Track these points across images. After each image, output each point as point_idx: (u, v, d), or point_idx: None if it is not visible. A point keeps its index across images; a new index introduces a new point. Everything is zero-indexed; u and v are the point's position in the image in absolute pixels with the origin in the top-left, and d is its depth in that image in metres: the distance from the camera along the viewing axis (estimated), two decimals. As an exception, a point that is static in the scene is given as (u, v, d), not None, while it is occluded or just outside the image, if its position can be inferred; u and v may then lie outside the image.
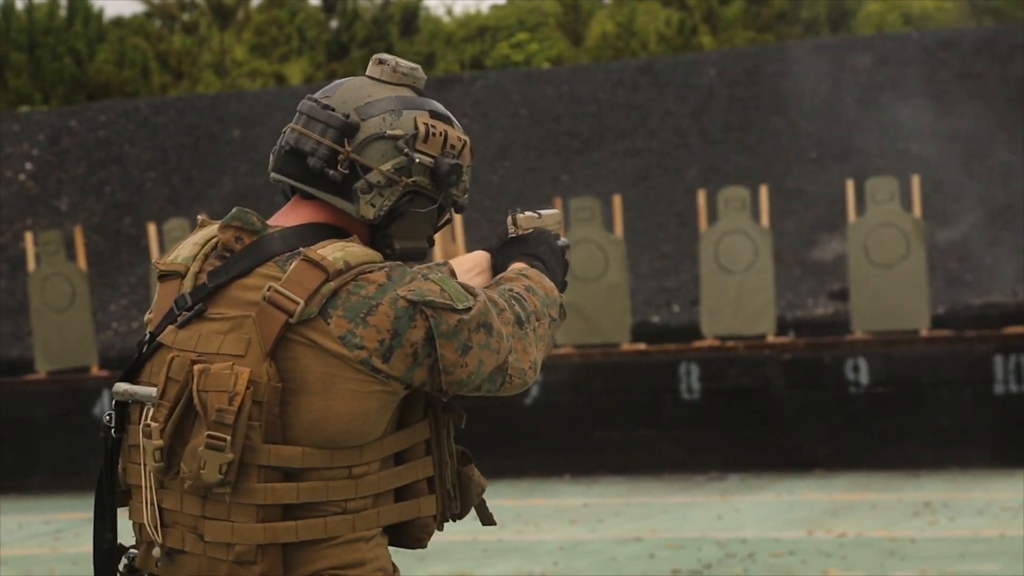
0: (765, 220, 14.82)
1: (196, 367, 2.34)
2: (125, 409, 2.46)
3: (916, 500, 11.55)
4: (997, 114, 18.99)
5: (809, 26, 27.73)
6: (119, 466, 2.49)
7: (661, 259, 18.45)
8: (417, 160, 2.45)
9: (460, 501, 2.53)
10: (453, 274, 2.47)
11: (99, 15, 30.73)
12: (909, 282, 13.88)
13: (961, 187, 18.28)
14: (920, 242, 14.08)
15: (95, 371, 15.73)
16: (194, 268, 2.45)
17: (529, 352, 2.46)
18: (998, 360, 12.93)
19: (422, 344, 2.36)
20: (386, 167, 2.43)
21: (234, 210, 2.45)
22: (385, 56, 2.51)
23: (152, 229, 16.42)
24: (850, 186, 14.91)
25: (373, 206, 2.43)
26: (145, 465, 2.41)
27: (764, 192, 15.00)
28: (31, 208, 21.46)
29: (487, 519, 2.60)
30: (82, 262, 16.39)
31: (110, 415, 2.47)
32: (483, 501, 2.57)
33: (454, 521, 2.52)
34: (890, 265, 13.97)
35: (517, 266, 2.60)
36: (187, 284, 2.44)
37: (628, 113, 20.52)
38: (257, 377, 2.32)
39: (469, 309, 2.38)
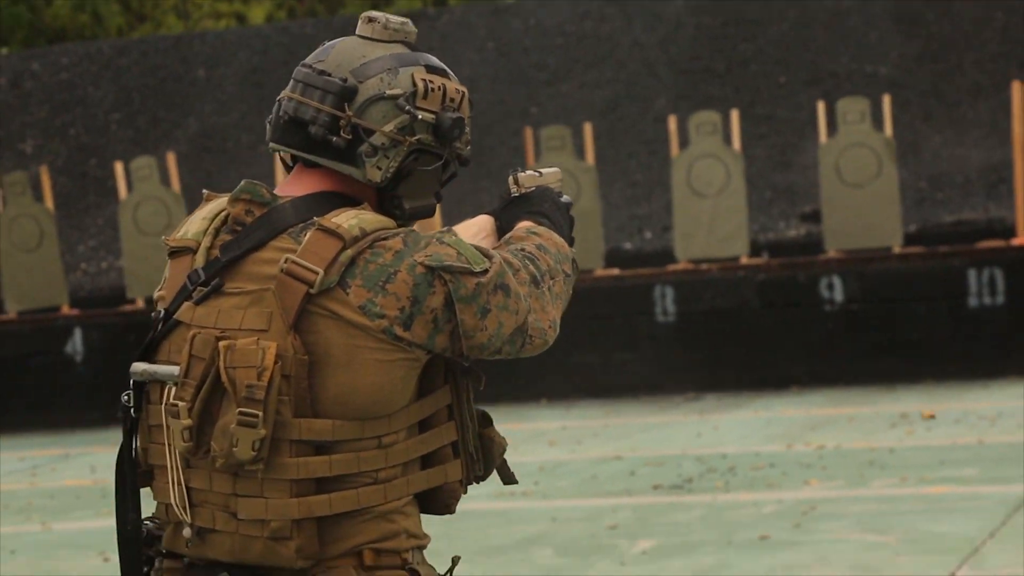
0: (737, 144, 14.79)
1: (221, 344, 2.30)
2: (143, 389, 2.41)
3: (893, 412, 11.58)
4: (965, 35, 18.97)
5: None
6: (139, 446, 2.44)
7: (632, 187, 18.41)
8: (419, 117, 2.41)
9: (483, 463, 2.50)
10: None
11: (58, -40, 30.37)
12: (881, 201, 13.87)
13: (929, 107, 18.28)
14: (892, 161, 14.08)
15: (66, 310, 15.65)
16: (205, 243, 2.41)
17: (547, 311, 2.45)
18: (972, 274, 12.95)
19: (442, 309, 2.34)
20: (389, 128, 2.40)
21: (243, 183, 2.41)
22: (374, 14, 2.47)
23: (119, 168, 16.30)
24: (821, 107, 14.89)
25: (379, 168, 2.40)
26: (171, 445, 2.36)
27: (735, 116, 14.97)
28: (-6, 152, 21.28)
29: (508, 478, 2.59)
30: (49, 202, 16.26)
31: (128, 395, 2.40)
32: (504, 461, 2.55)
33: (477, 483, 2.51)
34: (862, 184, 13.97)
35: (525, 225, 2.56)
36: (199, 259, 2.40)
37: (596, 44, 20.43)
38: (283, 351, 2.29)
39: (486, 271, 2.36)
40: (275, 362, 2.28)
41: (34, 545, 9.11)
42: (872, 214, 13.81)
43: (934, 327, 12.93)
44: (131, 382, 2.41)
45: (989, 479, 8.88)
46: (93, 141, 21.24)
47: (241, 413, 2.27)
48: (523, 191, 2.63)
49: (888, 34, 19.21)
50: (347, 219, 2.35)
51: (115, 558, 8.61)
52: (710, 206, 14.22)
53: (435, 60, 2.48)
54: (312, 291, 2.31)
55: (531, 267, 2.44)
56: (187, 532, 2.37)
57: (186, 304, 2.38)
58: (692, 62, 19.70)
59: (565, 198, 2.66)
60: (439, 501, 2.45)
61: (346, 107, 2.39)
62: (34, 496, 11.05)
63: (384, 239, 2.35)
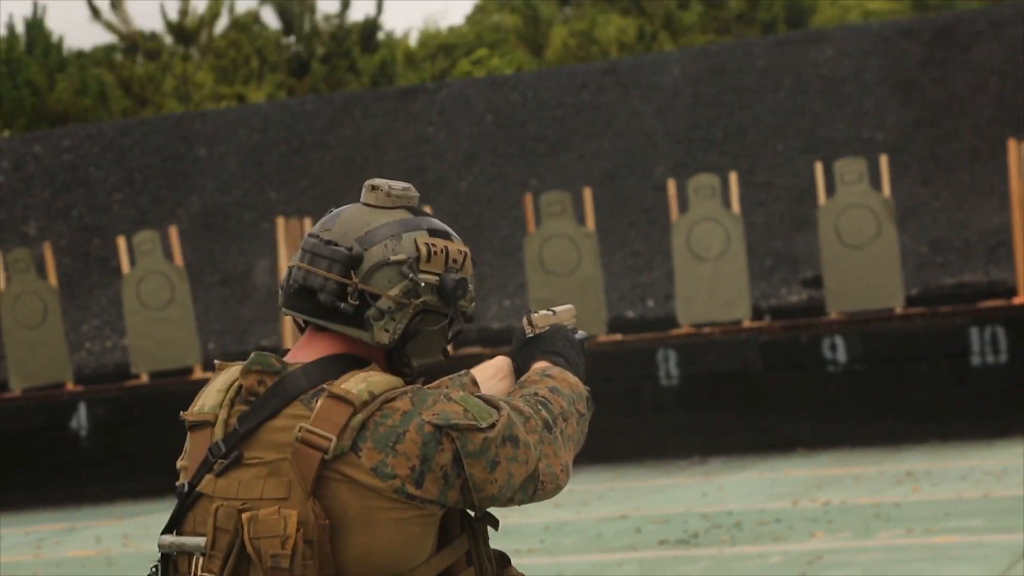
0: (736, 207, 14.85)
1: (244, 515, 2.39)
2: (169, 561, 2.50)
3: (899, 471, 11.57)
4: (960, 100, 19.10)
5: (767, 27, 27.86)
6: None
7: (633, 256, 18.47)
8: (423, 283, 2.50)
9: None
10: (475, 383, 2.55)
11: (58, 45, 30.66)
12: (881, 261, 13.92)
13: (928, 172, 18.37)
14: (891, 221, 14.13)
15: (70, 386, 15.66)
16: (222, 415, 2.48)
17: (560, 455, 2.53)
18: (974, 333, 12.98)
19: (451, 466, 2.42)
20: (394, 292, 2.48)
21: (253, 355, 2.48)
22: (377, 181, 2.55)
23: (122, 243, 16.36)
24: (819, 168, 14.96)
25: (387, 331, 2.48)
26: None
27: (734, 179, 15.04)
28: (-1, 234, 21.37)
29: None
30: (52, 279, 16.31)
31: (156, 568, 2.49)
32: None
33: None
34: (861, 246, 14.02)
35: (539, 366, 2.64)
36: (218, 431, 2.47)
37: (593, 115, 20.57)
38: (304, 518, 2.37)
39: (493, 426, 2.43)
40: (297, 530, 2.36)
41: (40, 612, 9.08)
42: (873, 275, 13.85)
43: (937, 386, 12.94)
44: (160, 555, 2.49)
45: (994, 528, 8.87)
46: (96, 221, 21.34)
47: None
48: (537, 331, 2.72)
49: (884, 100, 19.34)
50: (355, 384, 2.42)
51: (121, 621, 8.58)
52: (711, 270, 14.27)
53: (437, 223, 2.58)
54: (327, 457, 2.38)
55: (543, 412, 2.52)
56: None
57: (208, 477, 2.46)
58: (690, 131, 19.82)
59: (580, 334, 2.76)
60: None
61: (352, 274, 2.48)
62: (39, 567, 11.02)
63: (392, 400, 2.42)
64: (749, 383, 13.32)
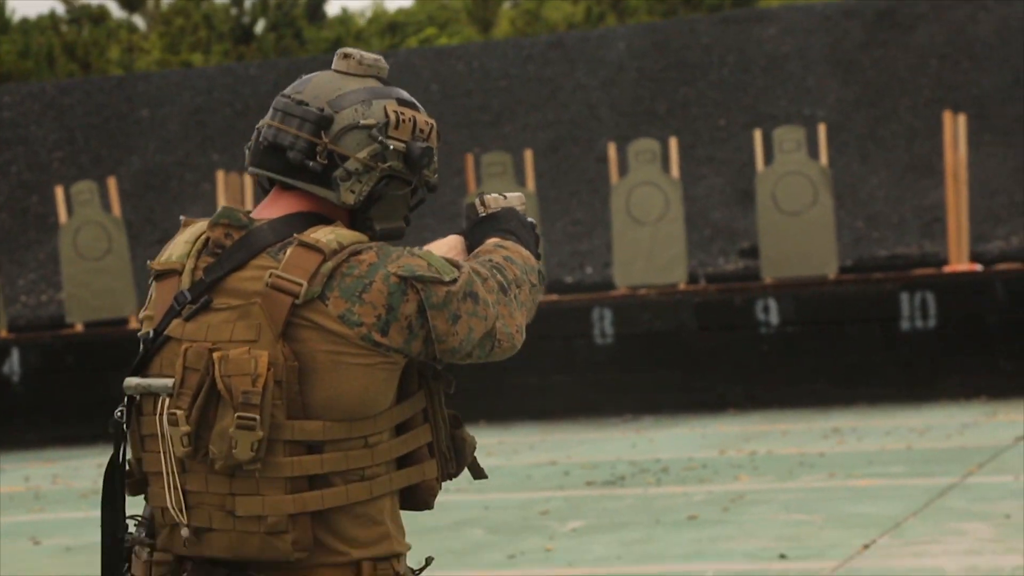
0: (675, 172, 14.94)
1: (215, 354, 2.45)
2: (133, 403, 2.56)
3: (826, 427, 11.70)
4: (900, 80, 19.28)
5: (714, 10, 27.99)
6: (131, 457, 2.58)
7: (574, 224, 18.55)
8: (391, 146, 2.57)
9: (455, 461, 2.66)
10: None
11: (1, 8, 30.43)
12: (817, 229, 14.05)
13: (866, 150, 18.54)
14: (827, 189, 14.26)
15: (4, 333, 15.59)
16: (189, 265, 2.54)
17: (515, 317, 2.59)
18: (904, 298, 13.13)
19: (415, 316, 2.48)
20: (362, 155, 2.55)
21: (221, 208, 2.56)
22: (349, 50, 2.62)
23: (60, 192, 16.30)
24: (758, 136, 15.07)
25: (353, 192, 2.55)
26: (168, 452, 2.50)
27: (674, 144, 15.13)
28: (-63, 188, 21.22)
29: (479, 474, 2.75)
30: (-10, 227, 16.22)
31: (122, 410, 2.54)
32: (475, 458, 2.71)
33: (450, 480, 2.66)
34: (798, 212, 14.14)
35: (493, 240, 2.71)
36: (185, 281, 2.54)
37: (539, 87, 20.63)
38: (274, 359, 2.44)
39: (455, 280, 2.50)
40: (268, 369, 2.42)
41: (-35, 536, 9.08)
42: (808, 242, 13.97)
43: (868, 349, 13.08)
44: (125, 397, 2.54)
45: (915, 474, 9.00)
46: (35, 178, 21.22)
47: (239, 417, 2.42)
48: (489, 212, 2.79)
49: (825, 78, 19.50)
50: (325, 234, 2.50)
51: (46, 542, 8.59)
52: (649, 233, 14.36)
53: (406, 94, 2.65)
54: (297, 302, 2.45)
55: (498, 276, 2.59)
56: (185, 532, 2.51)
57: (176, 321, 2.52)
58: (634, 104, 19.92)
59: (530, 219, 2.83)
60: (418, 498, 2.61)
61: (322, 135, 2.55)
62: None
63: (358, 252, 2.50)
64: (683, 344, 13.43)
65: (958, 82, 18.97)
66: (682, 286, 14.12)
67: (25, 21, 33.24)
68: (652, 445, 11.26)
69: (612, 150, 15.23)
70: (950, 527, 7.22)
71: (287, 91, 2.60)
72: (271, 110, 2.58)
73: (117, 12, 33.96)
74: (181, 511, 2.50)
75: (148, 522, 2.58)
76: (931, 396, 12.90)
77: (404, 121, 2.57)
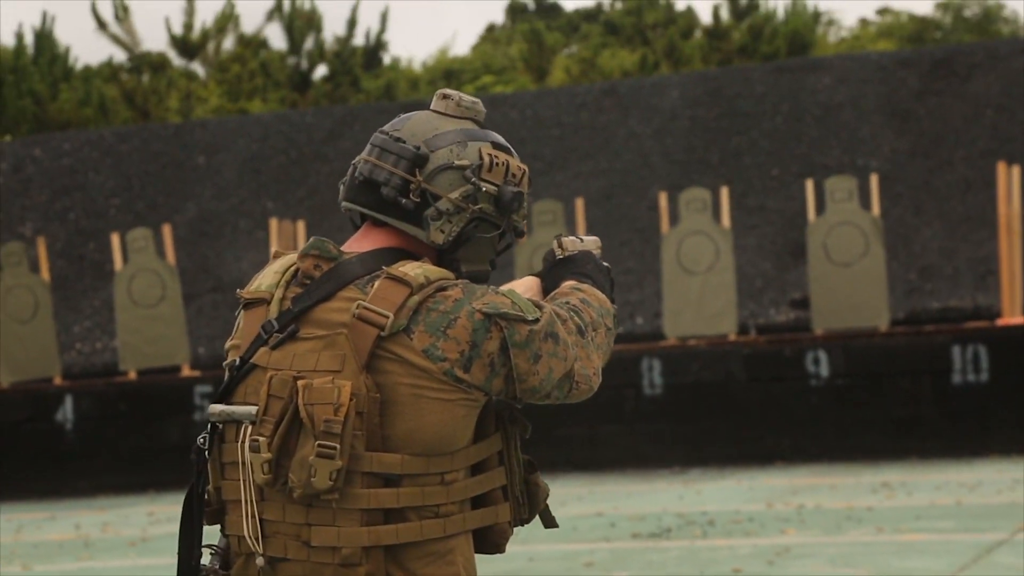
0: (726, 222, 14.92)
1: (300, 383, 2.46)
2: (216, 431, 2.57)
3: (875, 481, 11.62)
4: (954, 131, 19.20)
5: (768, 59, 27.97)
6: (211, 486, 2.59)
7: (625, 274, 18.54)
8: (483, 188, 2.59)
9: (528, 506, 2.68)
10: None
11: (64, 56, 30.80)
12: (868, 279, 13.99)
13: (920, 201, 18.46)
14: (879, 240, 14.20)
15: (58, 381, 15.71)
16: (278, 295, 2.57)
17: (592, 359, 2.62)
18: (956, 351, 13.04)
19: (498, 354, 2.51)
20: (455, 195, 2.57)
21: (312, 240, 2.58)
22: (448, 91, 2.66)
23: (115, 239, 16.44)
24: (810, 186, 15.04)
25: (442, 232, 2.57)
26: (247, 480, 2.52)
27: (725, 193, 15.11)
28: (-5, 234, 21.45)
29: (549, 522, 2.77)
30: (45, 273, 16.38)
31: (204, 437, 2.56)
32: (547, 506, 2.74)
33: (522, 525, 2.69)
34: (849, 263, 14.09)
35: (569, 283, 2.74)
36: (273, 310, 2.56)
37: (591, 134, 20.68)
38: (357, 389, 2.45)
39: (538, 320, 2.52)
40: (350, 399, 2.44)
41: (13, 582, 9.13)
42: (859, 293, 13.91)
43: (918, 403, 12.99)
44: (209, 424, 2.56)
45: (964, 529, 8.92)
46: (92, 224, 21.42)
47: (320, 445, 2.43)
48: (566, 254, 2.81)
49: (879, 128, 19.45)
50: (412, 268, 2.52)
51: (92, 590, 8.63)
52: (699, 283, 14.33)
53: (501, 139, 2.69)
54: (383, 334, 2.48)
55: (576, 319, 2.62)
56: (260, 562, 2.52)
57: (262, 350, 2.54)
58: (687, 153, 19.92)
59: (605, 264, 2.87)
60: (490, 541, 2.62)
61: (417, 173, 2.57)
62: (18, 547, 11.07)
63: (444, 288, 2.53)
64: (731, 395, 13.38)
65: (1013, 133, 18.87)
66: (732, 337, 14.07)
67: (87, 69, 33.62)
68: (699, 497, 11.21)
69: (663, 199, 15.23)
70: (996, 585, 7.15)
71: (386, 128, 2.64)
72: (368, 146, 2.61)
73: (177, 60, 34.32)
74: (257, 540, 2.50)
75: (223, 551, 2.58)
76: (982, 451, 12.79)
77: (498, 164, 2.60)
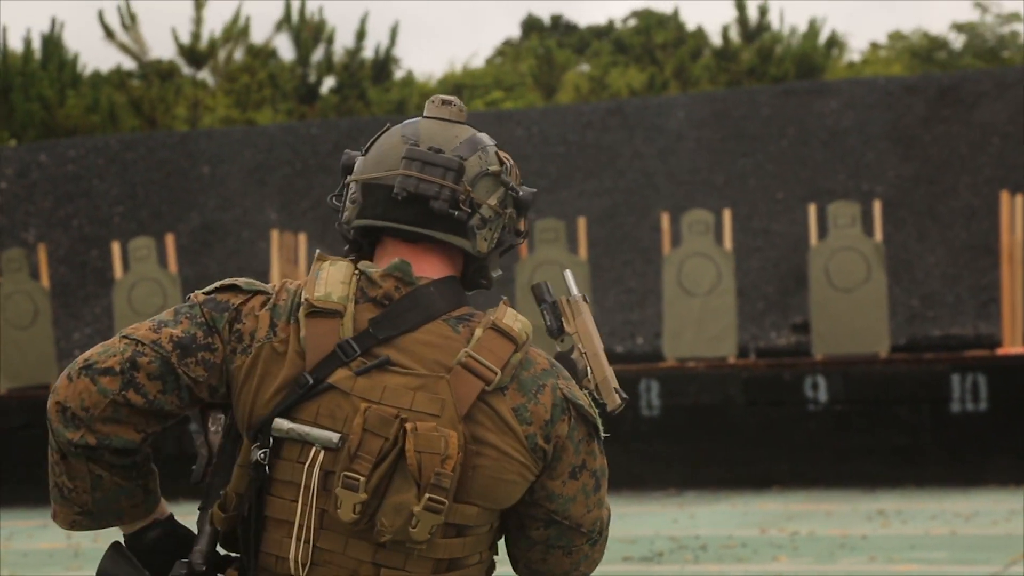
0: (728, 244, 14.88)
1: (408, 425, 2.37)
2: (274, 445, 2.44)
3: (870, 509, 11.56)
4: (960, 158, 19.17)
5: (777, 81, 27.96)
6: (231, 490, 2.47)
7: (627, 293, 18.50)
8: (518, 192, 2.54)
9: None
10: None
11: (73, 62, 30.83)
12: (869, 306, 13.94)
13: (924, 227, 18.42)
14: (881, 266, 14.16)
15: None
16: (350, 310, 2.45)
17: (595, 558, 2.58)
18: (955, 380, 12.98)
19: (563, 439, 2.44)
20: (493, 201, 2.51)
21: (397, 261, 2.47)
22: (446, 97, 2.57)
23: (116, 248, 16.42)
24: (812, 210, 15.00)
25: (486, 240, 2.51)
26: (308, 504, 2.40)
27: (727, 216, 15.08)
28: (-2, 239, 21.44)
29: None
30: (45, 280, 16.36)
31: (266, 453, 2.42)
32: None
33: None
34: (850, 289, 14.05)
35: None
36: (347, 327, 2.44)
37: (597, 153, 20.66)
38: (459, 440, 2.39)
39: (601, 443, 2.49)
40: (458, 452, 2.37)
41: (0, 591, 9.09)
42: (860, 319, 13.87)
43: (916, 430, 12.93)
44: (269, 439, 2.41)
45: (958, 561, 8.86)
46: (95, 232, 21.41)
47: (430, 499, 2.36)
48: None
49: (885, 154, 19.41)
50: (512, 320, 2.45)
51: (78, 601, 8.59)
52: (700, 305, 14.29)
53: None
54: (488, 388, 2.41)
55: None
56: None
57: (343, 372, 2.42)
58: (691, 174, 19.89)
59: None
60: None
61: (463, 183, 2.49)
62: (7, 555, 11.03)
63: (533, 350, 2.46)
64: (729, 418, 13.33)
65: (1019, 162, 18.83)
66: (731, 359, 14.03)
67: (96, 75, 33.65)
68: (693, 521, 11.16)
69: (665, 220, 15.20)
70: (986, 619, 7.09)
71: (409, 141, 2.49)
72: (404, 160, 2.46)
73: (186, 69, 34.36)
74: (303, 566, 2.41)
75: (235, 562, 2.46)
76: (980, 480, 12.73)
77: (512, 167, 2.55)
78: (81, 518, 2.52)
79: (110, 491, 2.48)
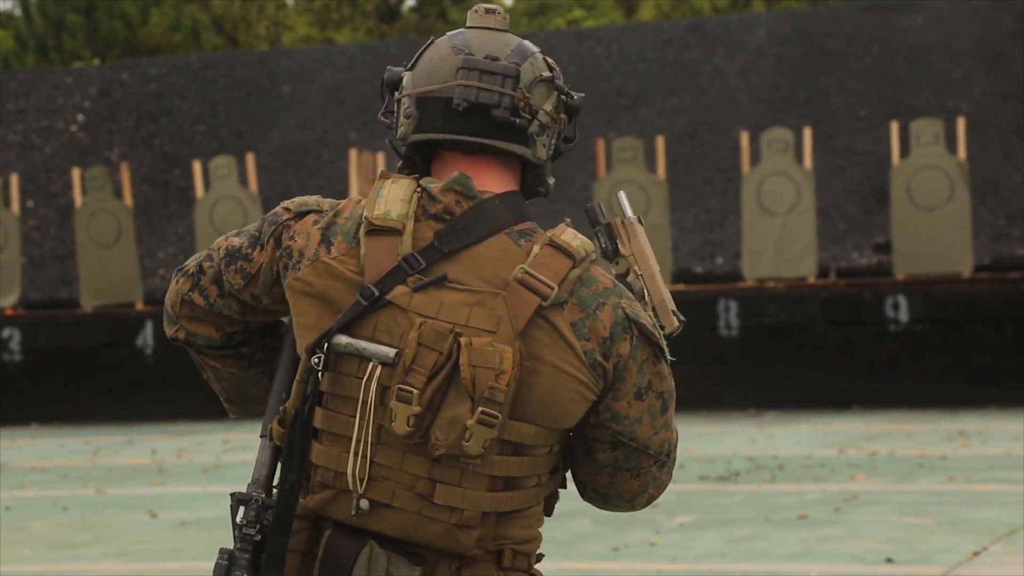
0: (808, 163, 14.76)
1: (462, 339, 2.37)
2: (333, 357, 2.43)
3: (951, 429, 11.50)
4: (1048, 74, 18.85)
5: (862, -2, 27.56)
6: (288, 404, 2.47)
7: (707, 212, 18.40)
8: (573, 97, 2.52)
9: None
10: None
11: (155, -19, 30.87)
12: (952, 225, 13.79)
13: (1010, 145, 18.16)
14: (964, 184, 13.99)
15: (140, 306, 15.85)
16: (409, 227, 2.44)
17: (662, 488, 2.54)
18: (1039, 299, 12.85)
19: (625, 359, 2.41)
20: (548, 107, 2.49)
21: (456, 174, 2.45)
22: (491, 6, 2.52)
23: (197, 167, 16.52)
24: (895, 128, 14.82)
25: (545, 147, 2.49)
26: (366, 419, 2.40)
27: (808, 134, 14.93)
28: (82, 158, 21.61)
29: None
30: (128, 199, 16.50)
31: (320, 359, 2.41)
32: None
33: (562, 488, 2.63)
34: (933, 208, 13.90)
35: None
36: (407, 243, 2.43)
37: (676, 71, 20.49)
38: (515, 356, 2.37)
39: (668, 364, 2.44)
40: (512, 367, 2.36)
41: (86, 504, 9.26)
42: (943, 239, 13.73)
43: (1000, 350, 12.82)
44: (325, 347, 2.40)
45: (1038, 481, 8.81)
46: (177, 150, 21.54)
47: (483, 412, 2.35)
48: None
49: (971, 71, 19.13)
50: (571, 238, 2.42)
51: (162, 515, 8.73)
52: (779, 224, 14.20)
53: None
54: (544, 304, 2.39)
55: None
56: (364, 504, 2.42)
57: (401, 288, 2.41)
58: (772, 91, 19.70)
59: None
60: (548, 505, 2.55)
61: (522, 90, 2.47)
62: (94, 470, 11.22)
63: (595, 266, 2.44)
64: (809, 338, 13.27)
65: (1107, 78, 18.50)
66: (811, 280, 13.95)
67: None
68: (771, 441, 11.15)
69: (745, 139, 15.09)
70: (1066, 539, 7.06)
71: (462, 51, 2.47)
72: (459, 70, 2.44)
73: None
74: (361, 481, 2.42)
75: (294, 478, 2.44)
76: (1064, 401, 12.62)
77: (560, 73, 2.53)
78: (230, 406, 2.66)
79: (233, 381, 2.60)
